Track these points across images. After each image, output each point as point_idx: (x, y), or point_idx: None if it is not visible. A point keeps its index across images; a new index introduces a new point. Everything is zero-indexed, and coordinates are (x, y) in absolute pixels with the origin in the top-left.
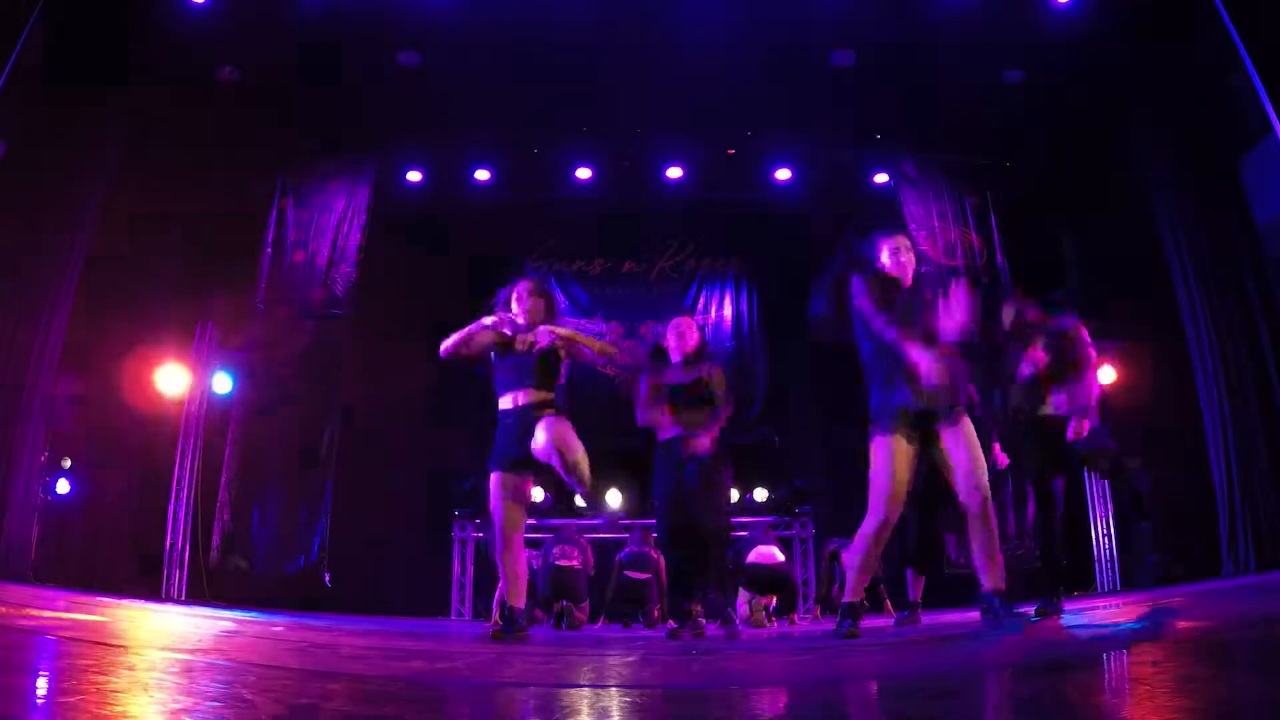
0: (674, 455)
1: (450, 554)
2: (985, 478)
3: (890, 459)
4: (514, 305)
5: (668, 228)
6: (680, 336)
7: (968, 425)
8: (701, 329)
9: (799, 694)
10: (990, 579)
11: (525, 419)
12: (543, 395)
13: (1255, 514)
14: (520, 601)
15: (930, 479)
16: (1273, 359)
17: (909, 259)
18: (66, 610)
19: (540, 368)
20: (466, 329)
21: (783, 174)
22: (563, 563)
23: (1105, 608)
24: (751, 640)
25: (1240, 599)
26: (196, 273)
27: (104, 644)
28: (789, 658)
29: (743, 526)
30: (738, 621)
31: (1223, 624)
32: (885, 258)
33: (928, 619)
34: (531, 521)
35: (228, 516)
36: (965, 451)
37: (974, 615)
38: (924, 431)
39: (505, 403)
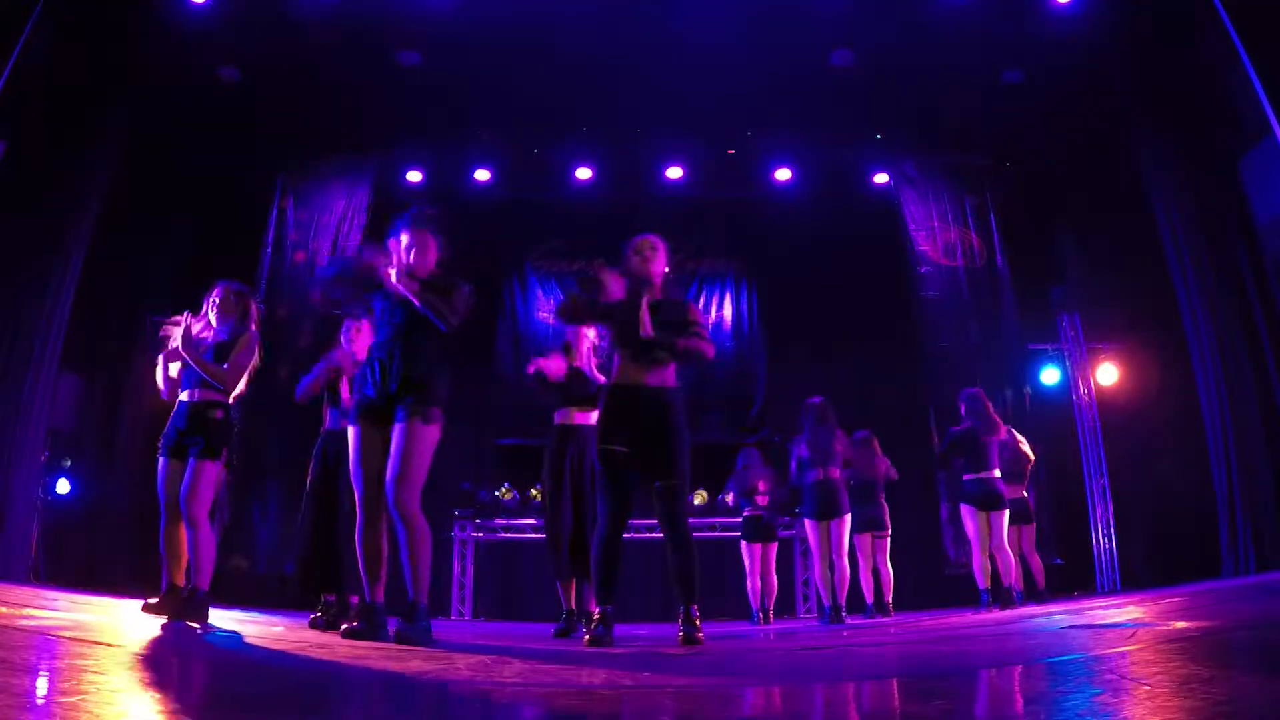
0: None
1: (450, 554)
2: (398, 486)
3: (355, 447)
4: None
5: (668, 228)
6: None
7: (408, 427)
8: None
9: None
10: (413, 589)
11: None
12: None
13: (1255, 514)
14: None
15: None
16: (1273, 359)
17: (396, 252)
18: (66, 610)
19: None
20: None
21: (783, 174)
22: None
23: (1104, 607)
24: None
25: (1240, 599)
26: (196, 272)
27: (104, 644)
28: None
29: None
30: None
31: (1223, 624)
32: None
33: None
34: (532, 522)
35: (228, 516)
36: (392, 453)
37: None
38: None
39: None
